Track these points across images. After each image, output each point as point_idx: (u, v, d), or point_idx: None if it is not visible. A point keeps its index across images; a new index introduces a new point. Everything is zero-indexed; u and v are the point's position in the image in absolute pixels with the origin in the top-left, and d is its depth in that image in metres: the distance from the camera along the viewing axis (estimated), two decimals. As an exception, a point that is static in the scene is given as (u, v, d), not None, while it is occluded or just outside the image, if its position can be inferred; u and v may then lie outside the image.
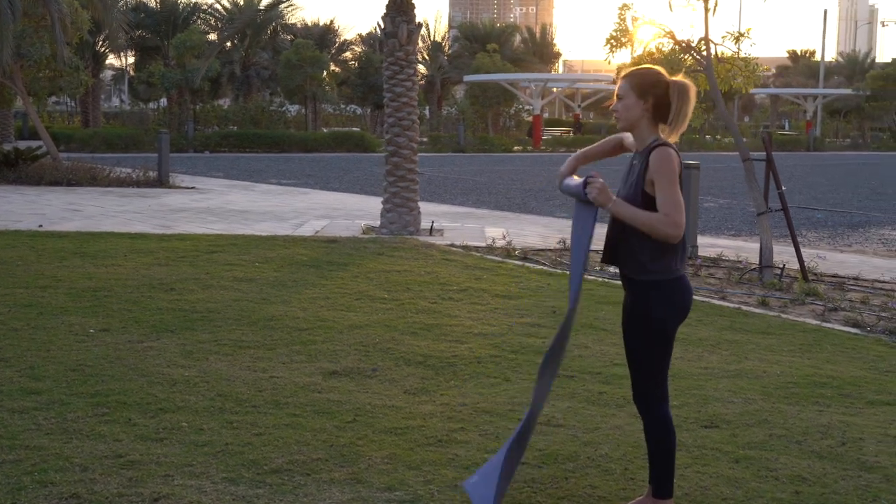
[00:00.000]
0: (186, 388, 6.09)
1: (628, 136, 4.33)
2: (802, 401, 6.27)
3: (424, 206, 15.42)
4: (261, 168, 30.98)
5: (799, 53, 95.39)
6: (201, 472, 4.71)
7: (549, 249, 13.19)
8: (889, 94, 64.86)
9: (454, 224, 16.07)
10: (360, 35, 68.51)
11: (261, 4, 55.23)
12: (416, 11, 15.10)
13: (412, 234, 14.41)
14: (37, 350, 6.92)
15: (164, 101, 54.84)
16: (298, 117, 54.31)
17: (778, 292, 10.49)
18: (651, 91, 4.12)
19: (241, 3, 55.94)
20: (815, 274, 11.47)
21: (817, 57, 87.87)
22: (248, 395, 5.99)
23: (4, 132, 40.95)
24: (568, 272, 4.31)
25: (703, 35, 11.37)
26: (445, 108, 61.01)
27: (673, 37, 11.34)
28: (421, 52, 60.44)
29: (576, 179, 4.27)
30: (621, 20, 11.62)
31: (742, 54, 11.60)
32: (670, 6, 11.35)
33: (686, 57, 11.28)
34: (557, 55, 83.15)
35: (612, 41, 11.77)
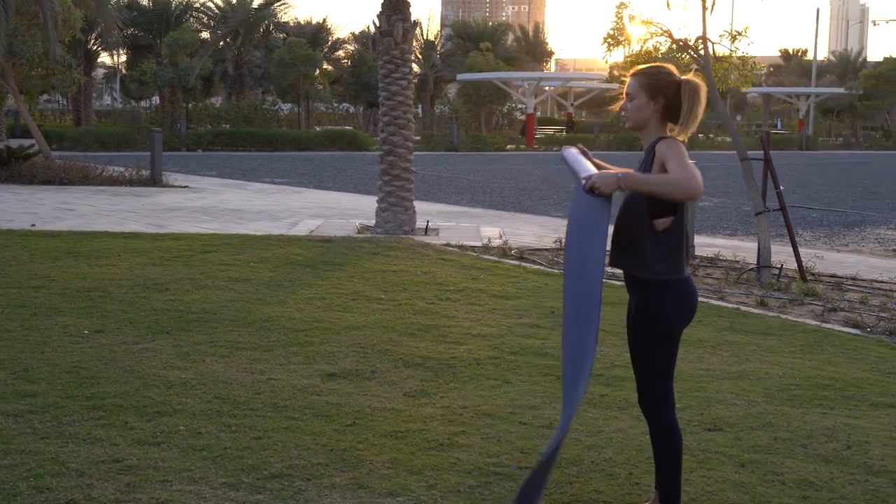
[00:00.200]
0: (183, 391, 6.02)
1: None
2: (805, 403, 6.22)
3: (419, 205, 15.35)
4: (254, 167, 30.88)
5: (791, 52, 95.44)
6: (200, 478, 4.64)
7: (546, 249, 13.13)
8: (881, 94, 64.94)
9: (449, 223, 16.00)
10: (353, 33, 68.49)
11: (254, 3, 55.10)
12: (411, 10, 15.03)
13: (407, 233, 14.34)
14: (31, 352, 6.84)
15: (156, 100, 54.67)
16: (291, 116, 54.21)
17: (776, 292, 10.44)
18: (662, 91, 4.04)
19: (234, 1, 55.80)
20: (813, 274, 11.42)
21: (809, 56, 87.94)
22: (246, 398, 5.91)
23: (-4, 130, 40.81)
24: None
25: (700, 34, 11.34)
26: (438, 107, 60.91)
27: (670, 35, 11.28)
28: (414, 51, 60.26)
29: (581, 167, 4.12)
30: (618, 18, 11.55)
31: (739, 53, 11.53)
32: (668, 4, 11.29)
33: (684, 56, 11.22)
34: (550, 54, 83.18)
35: (610, 39, 11.71)
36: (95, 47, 49.40)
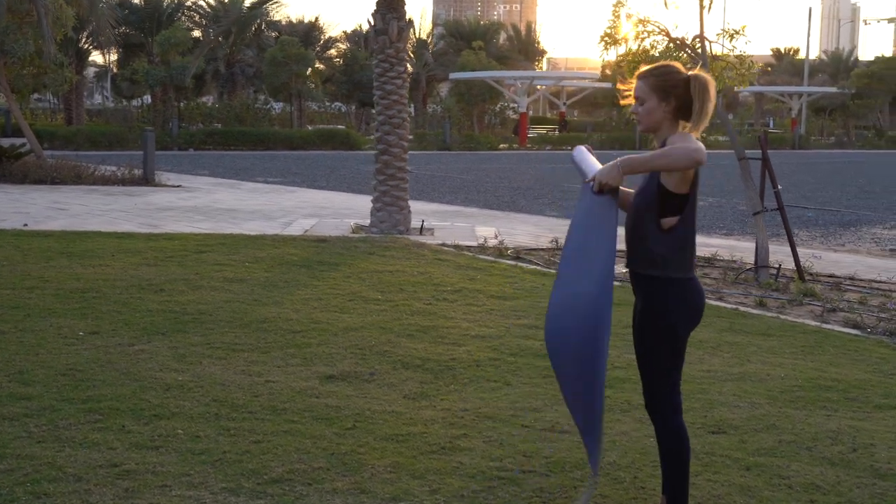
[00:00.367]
0: (180, 394, 5.94)
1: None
2: (809, 405, 6.17)
3: (413, 205, 15.27)
4: (246, 166, 30.77)
5: (783, 51, 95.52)
6: (200, 482, 4.57)
7: (542, 249, 13.07)
8: (874, 93, 65.00)
9: (444, 223, 15.94)
10: (345, 32, 68.26)
11: (247, 2, 54.94)
12: (405, 8, 14.96)
13: (402, 233, 14.27)
14: (25, 353, 6.76)
15: (147, 99, 54.47)
16: (283, 115, 54.02)
17: (775, 293, 10.39)
18: (673, 91, 3.98)
19: (227, 0, 55.63)
20: (811, 274, 11.38)
21: (801, 55, 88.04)
22: (244, 401, 5.84)
23: (-13, 129, 40.63)
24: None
25: (696, 33, 11.28)
26: (431, 106, 60.81)
27: (668, 34, 11.22)
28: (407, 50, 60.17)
29: (589, 166, 4.08)
30: (615, 17, 11.49)
31: (737, 52, 11.47)
32: (665, 3, 11.23)
33: (682, 54, 11.15)
34: (542, 53, 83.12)
35: (607, 38, 11.64)
36: (87, 46, 49.20)
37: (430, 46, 66.47)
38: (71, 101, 48.17)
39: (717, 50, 11.54)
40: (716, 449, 5.26)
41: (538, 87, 61.93)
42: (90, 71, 63.58)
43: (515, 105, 57.85)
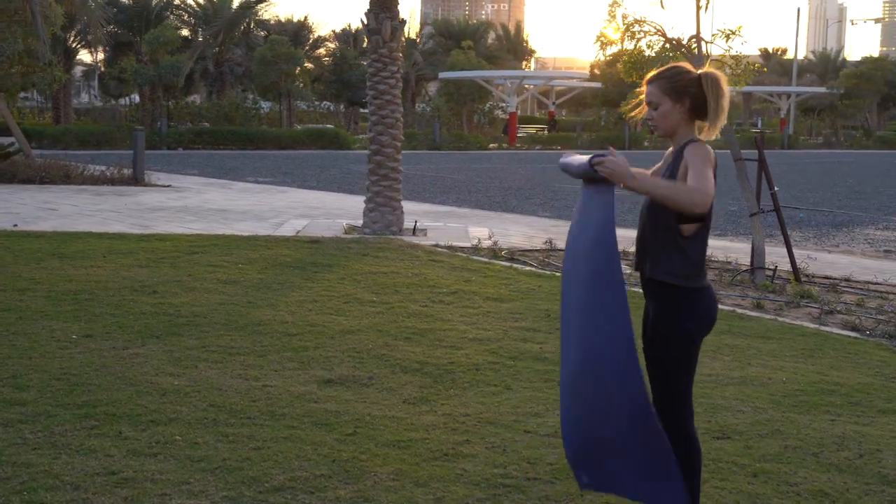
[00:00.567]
0: (177, 399, 5.85)
1: None
2: (812, 409, 6.11)
3: (405, 205, 15.17)
4: (236, 165, 30.62)
5: (771, 51, 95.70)
6: (200, 491, 4.48)
7: (536, 250, 12.99)
8: (862, 93, 65.14)
9: (437, 223, 15.86)
10: (334, 31, 68.25)
11: (236, 2, 54.75)
12: (399, 8, 14.87)
13: (395, 233, 14.19)
14: (18, 357, 6.66)
15: (135, 98, 54.23)
16: (272, 114, 53.83)
17: (772, 294, 10.34)
18: (686, 91, 3.91)
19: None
20: (807, 275, 11.34)
21: (789, 55, 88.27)
22: (242, 406, 5.75)
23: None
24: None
25: (692, 33, 11.23)
26: (419, 105, 60.73)
27: (664, 34, 11.17)
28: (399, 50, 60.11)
29: (578, 157, 3.92)
30: (611, 17, 11.43)
31: (733, 52, 11.42)
32: (661, 4, 11.18)
33: (678, 55, 11.10)
34: (531, 52, 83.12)
35: (602, 38, 11.58)
36: (75, 44, 48.97)
37: (420, 46, 66.41)
38: (59, 100, 47.92)
39: (713, 50, 11.50)
40: (722, 455, 5.20)
41: (527, 86, 61.90)
42: (77, 70, 63.28)
43: (504, 105, 57.78)
